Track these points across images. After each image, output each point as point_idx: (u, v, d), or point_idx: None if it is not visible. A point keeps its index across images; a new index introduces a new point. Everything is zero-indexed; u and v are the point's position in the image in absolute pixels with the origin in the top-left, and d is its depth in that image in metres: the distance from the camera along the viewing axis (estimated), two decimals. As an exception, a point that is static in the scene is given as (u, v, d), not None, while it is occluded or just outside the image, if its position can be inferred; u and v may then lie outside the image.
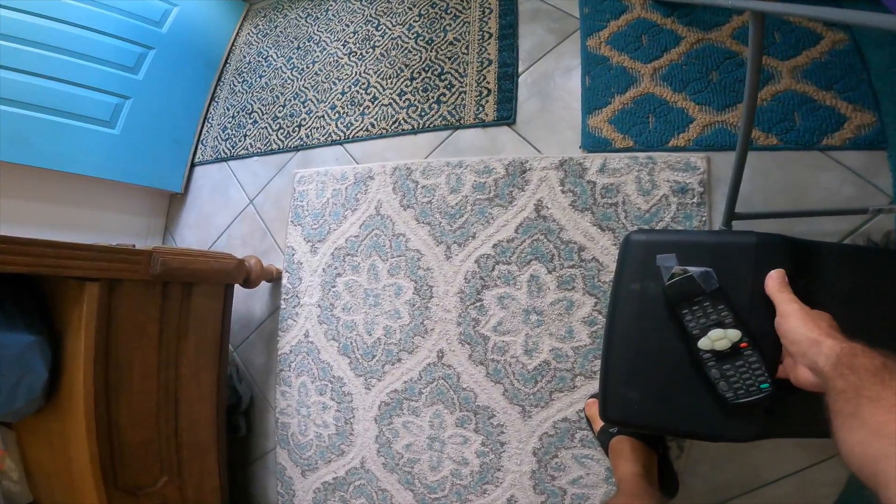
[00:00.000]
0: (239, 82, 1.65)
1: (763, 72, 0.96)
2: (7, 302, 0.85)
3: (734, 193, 0.76)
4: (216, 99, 1.66)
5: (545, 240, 1.03)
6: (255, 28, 1.73)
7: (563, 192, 1.04)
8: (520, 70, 1.15)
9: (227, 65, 1.71)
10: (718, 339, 0.56)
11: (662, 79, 1.04)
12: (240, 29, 1.77)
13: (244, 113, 1.57)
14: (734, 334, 0.56)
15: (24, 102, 1.26)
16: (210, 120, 1.65)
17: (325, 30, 1.53)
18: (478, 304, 1.07)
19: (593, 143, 1.05)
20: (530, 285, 1.03)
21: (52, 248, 0.79)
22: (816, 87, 0.93)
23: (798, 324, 0.50)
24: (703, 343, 0.57)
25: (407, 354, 1.13)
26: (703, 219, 0.94)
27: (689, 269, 0.60)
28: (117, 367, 0.89)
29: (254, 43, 1.70)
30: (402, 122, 1.24)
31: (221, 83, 1.68)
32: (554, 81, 1.12)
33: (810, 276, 0.60)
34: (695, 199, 0.95)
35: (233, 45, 1.74)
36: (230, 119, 1.60)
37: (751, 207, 0.90)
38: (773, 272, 0.57)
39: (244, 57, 1.69)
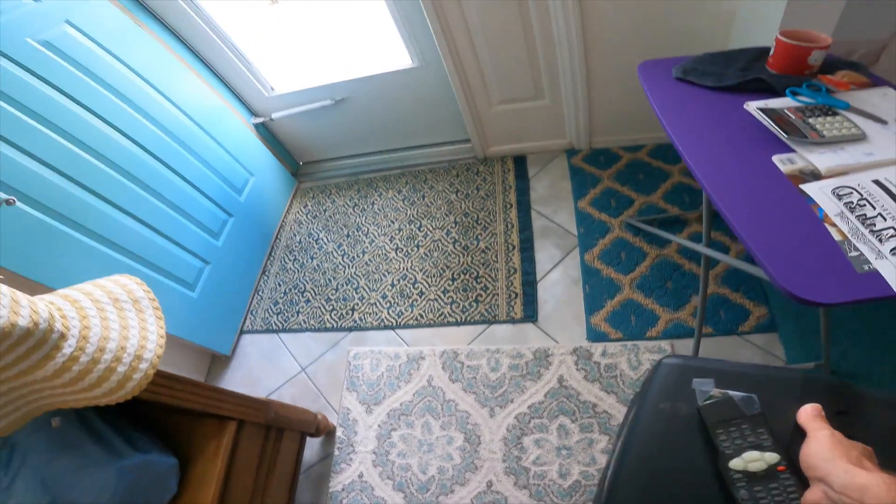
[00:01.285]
0: (290, 260, 1.96)
1: (697, 279, 1.46)
2: (149, 429, 1.01)
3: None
4: (266, 273, 1.95)
5: (567, 401, 1.39)
6: (304, 207, 2.11)
7: (577, 369, 1.42)
8: (538, 278, 1.60)
9: (278, 240, 2.04)
10: (753, 460, 0.56)
11: (637, 287, 1.51)
12: (290, 206, 2.15)
13: (296, 290, 1.86)
14: (772, 457, 0.55)
15: (135, 254, 1.42)
16: (260, 292, 1.91)
17: (373, 223, 1.94)
18: (519, 445, 1.36)
19: (595, 335, 1.47)
20: (559, 431, 1.35)
21: (215, 392, 1.03)
22: (730, 290, 1.43)
23: (821, 448, 0.49)
24: (735, 463, 0.57)
25: (459, 486, 1.35)
26: None
27: (730, 392, 0.61)
28: (229, 490, 1.06)
29: (304, 222, 2.06)
30: (447, 315, 1.61)
31: (272, 258, 1.99)
32: (564, 288, 1.57)
33: (852, 416, 0.59)
34: None
35: (283, 221, 2.10)
36: (282, 294, 1.87)
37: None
38: (808, 405, 0.56)
39: (294, 235, 2.04)
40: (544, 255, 1.64)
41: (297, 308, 1.80)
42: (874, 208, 0.73)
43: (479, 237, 1.74)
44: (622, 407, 1.33)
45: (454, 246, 1.74)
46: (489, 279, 1.63)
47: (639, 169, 1.80)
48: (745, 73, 1.00)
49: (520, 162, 1.94)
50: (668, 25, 1.45)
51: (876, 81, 1.00)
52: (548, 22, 1.49)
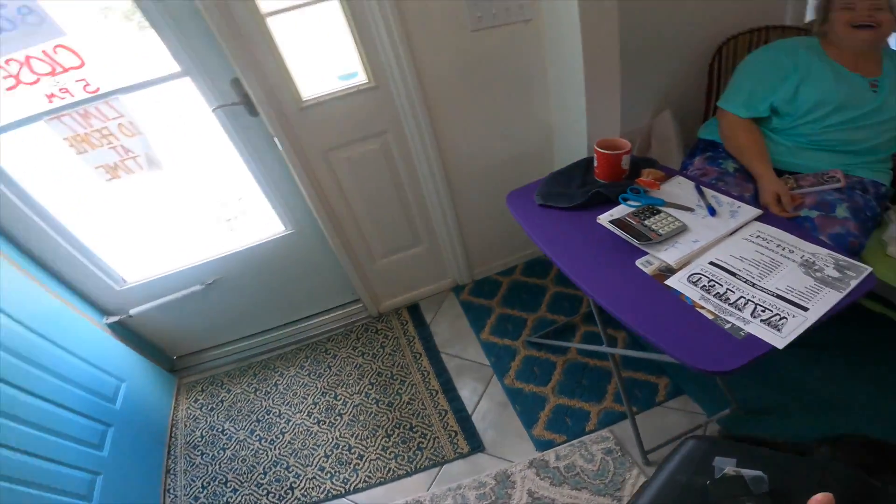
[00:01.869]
0: (197, 455, 1.71)
1: (603, 371, 1.60)
2: None
3: (639, 442, 1.29)
4: (172, 472, 1.68)
5: (546, 508, 1.35)
6: (195, 402, 1.88)
7: (541, 479, 1.41)
8: (470, 412, 1.61)
9: (174, 439, 1.78)
10: None
11: (559, 393, 1.59)
12: (176, 403, 1.90)
13: (217, 482, 1.62)
14: None
15: (15, 478, 1.22)
16: (172, 492, 1.64)
17: (283, 403, 1.80)
18: None
19: (542, 445, 1.49)
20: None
21: None
22: (633, 371, 1.58)
23: None
24: None
25: None
26: (631, 461, 1.39)
27: (743, 470, 0.62)
28: None
29: (200, 417, 1.83)
30: (395, 469, 1.51)
31: (173, 457, 1.73)
32: (497, 414, 1.59)
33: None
34: (619, 454, 1.41)
35: (174, 419, 1.84)
36: (201, 489, 1.62)
37: (652, 444, 1.40)
38: (819, 494, 0.54)
39: (194, 430, 1.79)
40: (468, 390, 1.69)
41: (225, 498, 1.58)
42: (721, 285, 0.91)
43: (400, 391, 1.72)
44: (599, 497, 1.33)
45: (378, 405, 1.69)
46: (424, 426, 1.60)
47: (519, 289, 1.99)
48: (586, 188, 1.21)
49: (414, 311, 2.01)
50: (512, 155, 1.71)
51: (668, 172, 1.28)
52: (414, 170, 1.65)
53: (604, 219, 1.09)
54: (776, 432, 1.36)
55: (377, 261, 1.89)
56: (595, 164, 1.25)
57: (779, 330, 0.81)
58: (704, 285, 0.91)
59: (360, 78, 1.44)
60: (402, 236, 1.84)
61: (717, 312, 0.86)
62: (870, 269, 0.90)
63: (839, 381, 1.44)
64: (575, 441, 1.47)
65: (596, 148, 1.22)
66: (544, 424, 1.53)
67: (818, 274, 0.90)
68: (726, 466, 0.65)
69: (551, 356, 1.69)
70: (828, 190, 1.30)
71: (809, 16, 1.90)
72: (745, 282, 0.91)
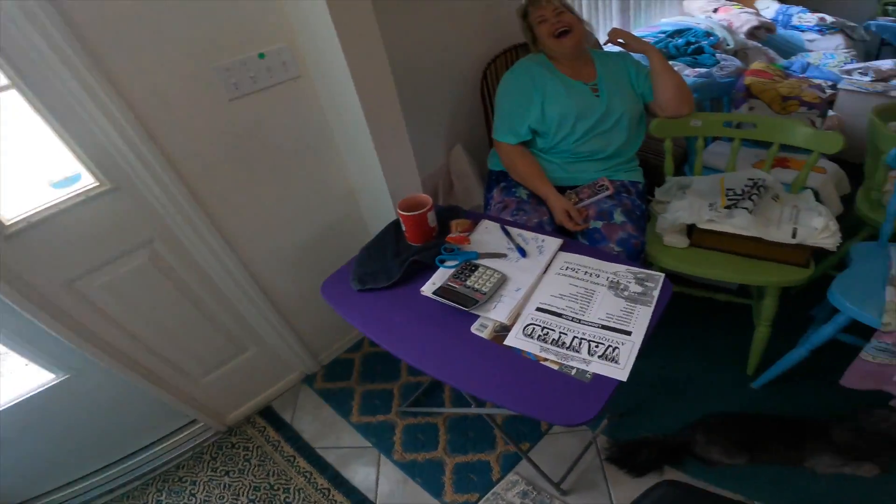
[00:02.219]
0: None
1: (483, 420, 1.55)
2: None
3: (546, 476, 1.31)
4: None
5: None
6: None
7: None
8: (374, 498, 1.43)
9: None
10: None
11: (452, 451, 1.50)
12: None
13: None
14: None
15: None
16: None
17: None
18: None
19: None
20: None
21: None
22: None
23: None
24: None
25: None
26: (549, 495, 1.35)
27: None
28: None
29: None
30: None
31: None
32: (402, 491, 1.43)
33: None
34: (535, 493, 1.34)
35: None
36: None
37: (559, 472, 1.39)
38: None
39: None
40: (360, 477, 1.48)
41: None
42: (554, 330, 0.90)
43: (288, 500, 1.44)
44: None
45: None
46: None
47: (374, 362, 1.84)
48: (401, 257, 1.12)
49: (269, 414, 1.72)
50: (320, 230, 1.54)
51: (473, 218, 1.28)
52: (205, 275, 1.37)
53: (427, 290, 1.02)
54: (654, 428, 1.45)
55: (200, 380, 1.54)
56: (403, 228, 1.18)
57: (616, 362, 0.82)
58: (540, 335, 0.89)
59: (86, 181, 1.12)
60: (222, 348, 1.54)
61: (559, 360, 0.85)
62: (662, 275, 1.00)
63: (677, 363, 1.62)
64: (488, 494, 1.39)
65: (399, 212, 1.15)
66: (452, 488, 1.42)
67: (625, 293, 0.96)
68: None
69: (430, 419, 1.59)
70: (602, 198, 1.46)
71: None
72: (572, 320, 0.92)
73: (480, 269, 1.03)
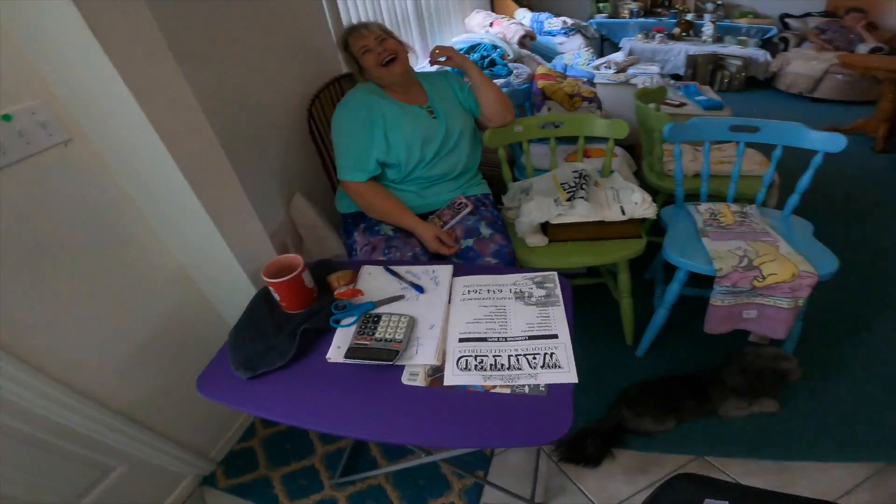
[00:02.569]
0: None
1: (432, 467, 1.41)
2: None
3: (516, 496, 1.25)
4: None
5: None
6: None
7: None
8: None
9: None
10: None
11: None
12: None
13: None
14: None
15: None
16: None
17: None
18: None
19: None
20: None
21: None
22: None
23: None
24: None
25: None
26: None
27: None
28: None
29: None
30: None
31: None
32: None
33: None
34: None
35: None
36: None
37: (526, 489, 1.33)
38: None
39: None
40: None
41: None
42: (487, 355, 0.85)
43: None
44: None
45: None
46: None
47: (278, 442, 1.55)
48: (287, 328, 0.95)
49: None
50: (159, 326, 1.24)
51: (351, 267, 1.16)
52: (27, 412, 0.98)
53: (335, 356, 0.88)
54: (582, 418, 1.47)
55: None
56: (277, 297, 1.01)
57: (560, 367, 0.81)
58: (476, 365, 0.83)
59: None
60: (78, 476, 1.13)
61: (508, 383, 0.80)
62: (555, 273, 1.03)
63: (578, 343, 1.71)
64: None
65: (267, 280, 0.98)
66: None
67: (532, 300, 0.97)
68: None
69: (372, 480, 1.40)
70: (465, 216, 1.48)
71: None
72: (498, 340, 0.88)
73: (384, 318, 0.93)
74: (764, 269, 1.36)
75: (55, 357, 1.03)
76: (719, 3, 5.32)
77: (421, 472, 1.41)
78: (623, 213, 1.53)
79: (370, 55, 1.45)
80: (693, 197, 1.80)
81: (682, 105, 2.55)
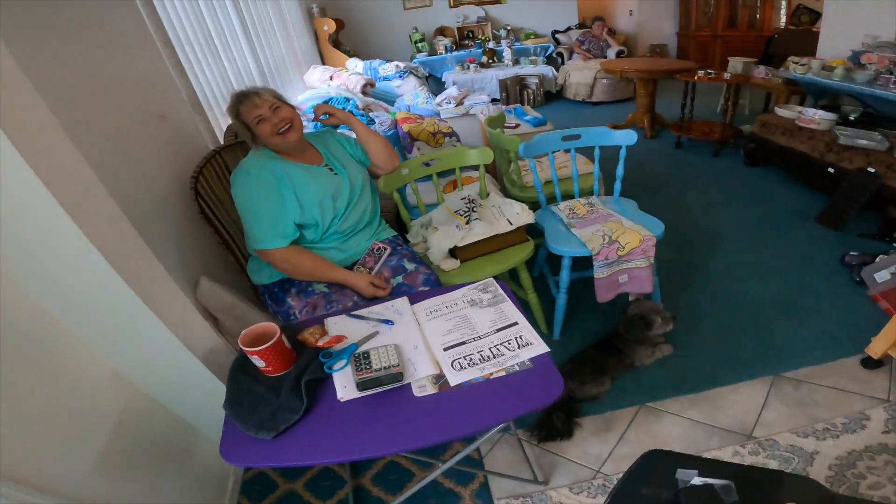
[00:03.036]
0: None
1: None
2: None
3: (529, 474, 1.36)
4: None
5: None
6: None
7: None
8: None
9: None
10: None
11: None
12: None
13: None
14: None
15: None
16: None
17: None
18: None
19: None
20: None
21: None
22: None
23: None
24: None
25: None
26: (539, 493, 1.46)
27: (710, 480, 0.64)
28: None
29: None
30: None
31: None
32: None
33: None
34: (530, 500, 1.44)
35: None
36: None
37: (527, 472, 1.49)
38: None
39: None
40: None
41: None
42: (472, 353, 1.05)
43: None
44: None
45: None
46: None
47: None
48: (286, 388, 1.00)
49: None
50: (110, 435, 1.10)
51: (315, 321, 1.26)
52: None
53: (348, 395, 0.99)
54: None
55: None
56: (261, 365, 1.07)
57: (532, 343, 1.05)
58: (469, 362, 1.02)
59: None
60: None
61: (501, 367, 1.00)
62: (490, 279, 1.28)
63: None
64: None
65: (250, 350, 1.04)
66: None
67: (484, 303, 1.20)
68: (690, 478, 0.66)
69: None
70: (386, 258, 1.65)
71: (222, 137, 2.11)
72: (475, 340, 1.08)
73: (373, 352, 1.06)
74: (621, 240, 1.79)
75: (32, 468, 0.93)
76: (509, 28, 6.32)
77: (427, 494, 1.50)
78: (510, 224, 1.85)
79: (265, 125, 1.49)
80: (550, 199, 2.22)
81: (517, 126, 3.06)
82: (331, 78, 4.11)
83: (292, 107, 1.59)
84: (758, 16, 6.08)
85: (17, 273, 0.99)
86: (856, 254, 2.27)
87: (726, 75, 3.86)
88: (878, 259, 2.12)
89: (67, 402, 1.08)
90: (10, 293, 0.99)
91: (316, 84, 4.12)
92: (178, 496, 1.32)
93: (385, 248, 1.67)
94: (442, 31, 6.32)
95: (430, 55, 6.04)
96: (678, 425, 1.62)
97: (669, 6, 6.81)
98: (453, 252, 1.79)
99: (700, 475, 0.67)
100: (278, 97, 1.56)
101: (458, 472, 1.56)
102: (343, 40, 5.70)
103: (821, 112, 3.06)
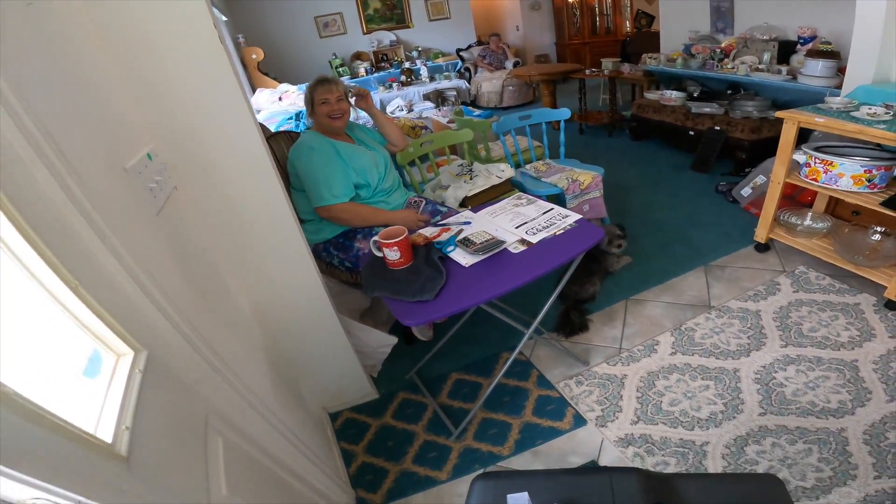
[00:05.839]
0: None
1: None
2: None
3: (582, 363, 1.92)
4: None
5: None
6: None
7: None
8: None
9: None
10: None
11: (513, 412, 1.86)
12: None
13: None
14: None
15: None
16: None
17: None
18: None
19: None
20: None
21: None
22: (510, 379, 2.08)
23: None
24: None
25: None
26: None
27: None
28: None
29: None
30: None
31: None
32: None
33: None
34: (581, 377, 1.96)
35: None
36: None
37: (574, 367, 2.04)
38: None
39: None
40: None
41: None
42: (539, 223, 1.62)
43: None
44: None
45: None
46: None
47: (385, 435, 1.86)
48: (428, 266, 1.49)
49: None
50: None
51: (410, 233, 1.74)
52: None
53: (470, 261, 1.51)
54: (553, 320, 2.23)
55: None
56: (396, 257, 1.53)
57: (569, 214, 1.65)
58: (539, 228, 1.60)
59: (110, 358, 0.77)
60: None
61: (560, 228, 1.59)
62: (517, 190, 1.87)
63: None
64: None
65: (389, 243, 1.50)
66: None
67: (524, 202, 1.80)
68: (520, 502, 0.67)
69: (475, 419, 1.85)
70: (424, 206, 2.16)
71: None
72: (533, 220, 1.67)
73: (470, 236, 1.60)
74: (579, 179, 2.49)
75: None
76: (419, 49, 7.06)
77: (500, 395, 1.90)
78: (499, 178, 2.46)
79: (325, 107, 1.97)
80: (516, 165, 2.88)
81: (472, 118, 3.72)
82: (280, 98, 4.47)
83: (350, 104, 2.08)
84: (611, 24, 7.61)
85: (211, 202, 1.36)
86: (724, 184, 3.22)
87: (605, 71, 4.88)
88: (740, 183, 3.07)
89: (238, 328, 1.40)
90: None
91: (265, 105, 4.45)
92: (304, 434, 1.47)
93: (420, 200, 2.18)
94: (359, 56, 6.88)
95: (352, 77, 6.56)
96: (659, 308, 2.27)
97: (545, 21, 8.13)
98: (463, 203, 2.35)
99: (532, 495, 0.67)
100: (345, 92, 2.04)
101: (518, 373, 1.99)
102: (265, 69, 6.02)
103: (675, 92, 4.11)
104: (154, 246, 1.00)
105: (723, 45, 3.88)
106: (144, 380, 0.76)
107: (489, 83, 6.51)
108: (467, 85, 6.65)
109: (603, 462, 1.59)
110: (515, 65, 6.83)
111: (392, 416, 1.94)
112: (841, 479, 1.40)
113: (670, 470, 1.51)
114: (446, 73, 6.66)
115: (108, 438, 0.64)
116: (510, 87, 6.46)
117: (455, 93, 6.39)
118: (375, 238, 1.58)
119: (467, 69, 7.02)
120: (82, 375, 0.74)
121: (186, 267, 1.15)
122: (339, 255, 2.04)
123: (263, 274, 1.54)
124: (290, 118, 3.87)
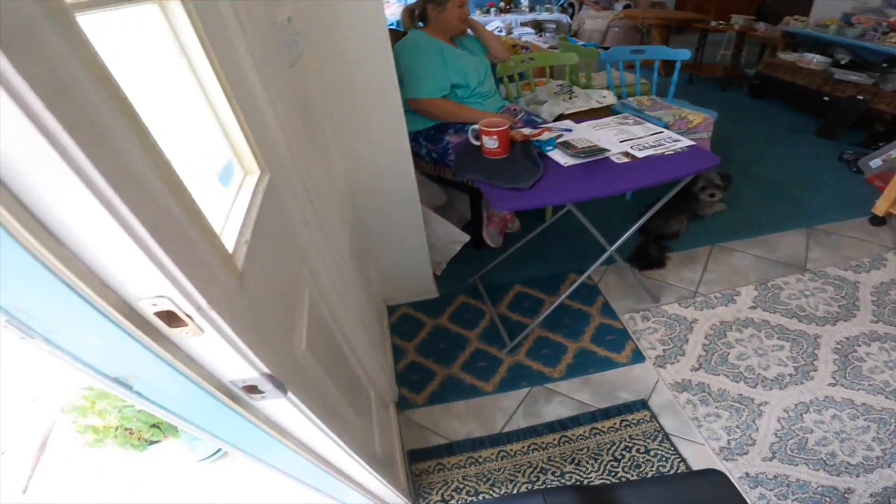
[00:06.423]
0: None
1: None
2: None
3: (644, 293, 1.87)
4: None
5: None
6: None
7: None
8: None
9: None
10: None
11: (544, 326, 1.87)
12: None
13: None
14: None
15: None
16: None
17: None
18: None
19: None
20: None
21: None
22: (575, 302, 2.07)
23: None
24: None
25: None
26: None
27: None
28: None
29: None
30: None
31: None
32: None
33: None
34: (648, 312, 1.93)
35: None
36: None
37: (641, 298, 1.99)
38: None
39: None
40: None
41: None
42: (647, 142, 1.52)
43: None
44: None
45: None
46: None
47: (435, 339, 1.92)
48: (525, 158, 1.47)
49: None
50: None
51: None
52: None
53: (570, 162, 1.45)
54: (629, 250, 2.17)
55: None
56: (494, 146, 1.50)
57: (680, 140, 1.53)
58: (647, 146, 1.50)
59: (239, 171, 0.82)
60: None
61: (671, 149, 1.48)
62: (624, 113, 1.74)
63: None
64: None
65: (490, 131, 1.48)
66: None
67: (630, 122, 1.68)
68: None
69: (532, 336, 1.84)
70: (521, 115, 2.10)
71: None
72: (640, 137, 1.56)
73: (572, 140, 1.53)
74: (688, 118, 2.30)
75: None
76: (524, -22, 6.63)
77: (560, 314, 1.88)
78: (599, 103, 2.32)
79: (461, 10, 1.92)
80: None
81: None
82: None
83: None
84: (753, -22, 6.66)
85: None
86: (850, 152, 2.88)
87: (736, 26, 4.39)
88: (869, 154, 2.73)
89: (333, 191, 1.42)
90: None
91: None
92: (367, 318, 1.54)
93: (518, 109, 2.11)
94: (461, -24, 6.56)
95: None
96: (746, 259, 2.14)
97: (670, -36, 7.29)
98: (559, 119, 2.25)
99: None
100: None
101: (583, 296, 1.96)
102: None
103: (818, 56, 3.66)
104: (287, 91, 1.06)
105: (892, 19, 3.42)
106: (264, 201, 0.78)
107: (594, 21, 6.05)
108: (569, 20, 6.22)
109: (652, 404, 1.56)
110: (625, 7, 6.28)
111: (448, 318, 1.96)
112: (887, 460, 1.36)
113: (720, 424, 1.48)
114: (547, 6, 6.24)
115: (230, 248, 0.64)
116: (615, 28, 5.97)
117: (554, 26, 6.00)
118: (475, 126, 1.55)
119: (570, 4, 6.55)
120: (217, 180, 0.78)
121: (306, 118, 1.22)
122: (428, 146, 2.05)
123: (363, 143, 1.56)
124: (391, 25, 3.82)
